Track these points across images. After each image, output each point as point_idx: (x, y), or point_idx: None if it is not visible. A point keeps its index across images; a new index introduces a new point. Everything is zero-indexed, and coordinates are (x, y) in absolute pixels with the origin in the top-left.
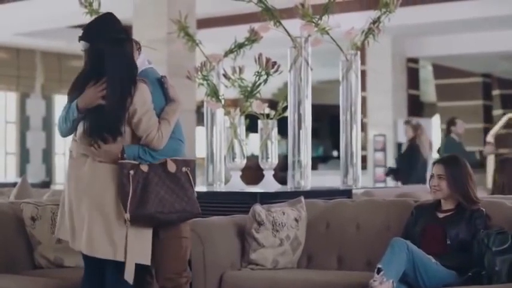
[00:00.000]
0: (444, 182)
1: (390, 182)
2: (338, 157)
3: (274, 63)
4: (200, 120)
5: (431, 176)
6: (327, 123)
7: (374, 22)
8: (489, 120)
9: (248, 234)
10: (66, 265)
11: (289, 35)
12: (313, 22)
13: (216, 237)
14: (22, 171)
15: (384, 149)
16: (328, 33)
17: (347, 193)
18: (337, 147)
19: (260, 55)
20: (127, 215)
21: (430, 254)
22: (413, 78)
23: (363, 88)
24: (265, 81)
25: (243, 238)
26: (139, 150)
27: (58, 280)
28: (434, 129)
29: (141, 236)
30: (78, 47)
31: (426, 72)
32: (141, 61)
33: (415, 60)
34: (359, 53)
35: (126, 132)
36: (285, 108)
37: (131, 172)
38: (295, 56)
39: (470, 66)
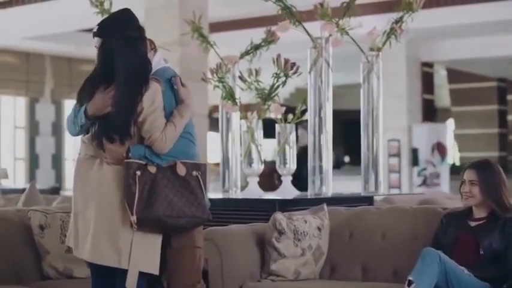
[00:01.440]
0: (476, 188)
1: (405, 187)
2: (350, 163)
3: (293, 64)
4: (212, 126)
5: (462, 182)
6: (338, 128)
7: (396, 22)
8: (504, 125)
9: (268, 243)
10: (76, 276)
11: (308, 34)
12: (334, 22)
13: (235, 246)
14: (31, 177)
15: (398, 154)
16: (348, 34)
17: (368, 200)
18: (348, 152)
19: (278, 56)
20: (133, 218)
21: (462, 265)
22: (427, 82)
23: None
24: (284, 83)
25: (263, 248)
26: (145, 150)
27: None
28: (448, 134)
29: (148, 242)
30: (88, 51)
31: (440, 77)
32: (157, 60)
33: (429, 65)
34: (380, 54)
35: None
36: (303, 112)
37: (138, 173)
38: (316, 57)
39: (485, 71)
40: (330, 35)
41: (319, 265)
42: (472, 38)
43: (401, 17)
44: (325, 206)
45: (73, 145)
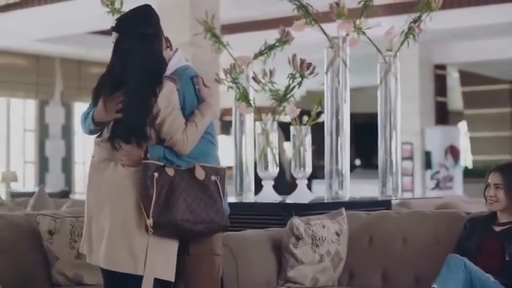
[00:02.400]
0: (501, 191)
1: (418, 191)
2: (361, 166)
3: (309, 64)
4: (223, 129)
5: (487, 186)
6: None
7: (415, 21)
8: None
9: (285, 249)
10: (86, 283)
11: (325, 33)
12: (351, 21)
13: (251, 252)
14: (41, 180)
15: (411, 158)
16: (364, 34)
17: (386, 204)
18: (359, 156)
19: (294, 56)
20: (149, 221)
21: (487, 272)
22: (440, 85)
23: None
24: (300, 84)
25: (280, 254)
26: (164, 151)
27: None
28: (461, 136)
29: (165, 248)
30: (98, 54)
31: (452, 79)
32: (178, 58)
33: (442, 67)
34: (398, 54)
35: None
36: (319, 114)
37: (155, 174)
38: (332, 57)
39: (498, 73)
40: (347, 35)
41: (337, 272)
42: (485, 40)
43: (419, 16)
44: (343, 210)
45: (83, 148)
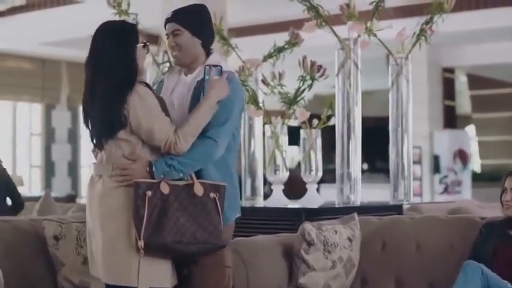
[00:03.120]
0: None
1: (426, 195)
2: (369, 170)
3: (320, 67)
4: None
5: (504, 190)
6: None
7: (427, 23)
8: None
9: (296, 255)
10: None
11: (336, 35)
12: (363, 22)
13: (261, 258)
14: (47, 185)
15: (419, 162)
16: (375, 35)
17: (397, 209)
18: (367, 160)
19: (304, 58)
20: (141, 243)
21: (504, 278)
22: (449, 88)
23: None
24: (310, 86)
25: (291, 260)
26: (166, 160)
27: None
28: (470, 140)
29: (159, 260)
30: None
31: (459, 83)
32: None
33: (450, 70)
34: (410, 56)
35: (142, 150)
36: (329, 117)
37: (148, 193)
38: (343, 59)
39: (506, 77)
40: (359, 36)
41: (350, 278)
42: (493, 44)
43: (431, 18)
44: (355, 215)
45: (89, 152)
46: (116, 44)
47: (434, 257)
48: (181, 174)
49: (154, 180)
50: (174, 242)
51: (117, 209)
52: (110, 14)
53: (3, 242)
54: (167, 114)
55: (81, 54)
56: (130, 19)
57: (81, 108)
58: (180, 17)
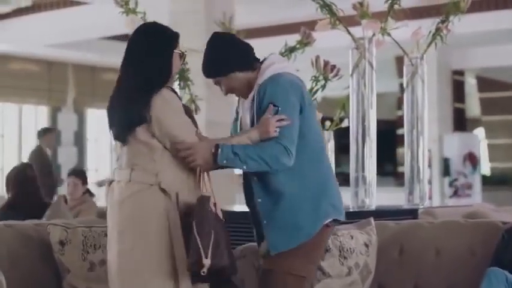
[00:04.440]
0: None
1: (436, 199)
2: (376, 174)
3: (333, 66)
4: None
5: None
6: None
7: (442, 22)
8: None
9: None
10: None
11: (350, 34)
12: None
13: None
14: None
15: (429, 165)
16: (389, 35)
17: (412, 213)
18: None
19: (317, 58)
20: (207, 261)
21: None
22: (458, 91)
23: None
24: (323, 86)
25: None
26: (233, 148)
27: None
28: (480, 143)
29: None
30: (112, 60)
31: (469, 86)
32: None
33: (460, 73)
34: (425, 57)
35: (161, 157)
36: (342, 119)
37: (212, 208)
38: (358, 58)
39: None
40: (374, 35)
41: (366, 285)
42: (503, 46)
43: (447, 17)
44: (372, 220)
45: (96, 155)
46: (154, 46)
47: (454, 263)
48: (244, 167)
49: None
50: (231, 265)
51: (137, 217)
52: (116, 15)
53: (6, 247)
54: (194, 122)
55: (87, 56)
56: (138, 18)
57: (87, 110)
58: (207, 72)
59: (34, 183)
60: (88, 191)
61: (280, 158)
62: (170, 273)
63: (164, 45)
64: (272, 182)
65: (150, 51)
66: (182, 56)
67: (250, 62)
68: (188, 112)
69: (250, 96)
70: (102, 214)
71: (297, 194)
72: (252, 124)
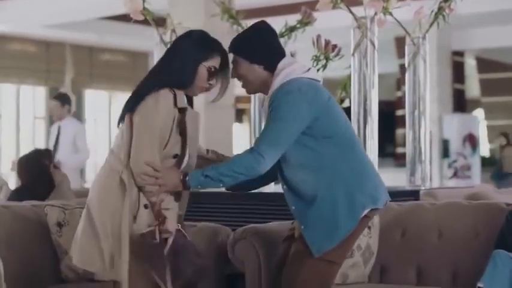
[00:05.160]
0: None
1: (435, 180)
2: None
3: (335, 46)
4: (236, 117)
5: None
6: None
7: (445, 1)
8: None
9: None
10: (98, 279)
11: (351, 13)
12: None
13: (275, 247)
14: None
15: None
16: (391, 14)
17: (414, 194)
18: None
19: (319, 37)
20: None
21: None
22: (458, 72)
23: (405, 81)
24: (324, 66)
25: None
26: (202, 172)
27: None
28: (480, 125)
29: None
30: (110, 40)
31: (468, 67)
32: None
33: (460, 53)
34: (427, 36)
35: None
36: (343, 99)
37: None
38: (359, 38)
39: None
40: (376, 14)
41: (368, 267)
42: (503, 26)
43: None
44: None
45: (94, 136)
46: (184, 49)
47: (458, 245)
48: (221, 185)
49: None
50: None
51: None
52: None
53: (4, 229)
54: (183, 134)
55: (85, 36)
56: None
57: (85, 91)
58: (234, 46)
59: (44, 170)
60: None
61: (255, 166)
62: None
63: (193, 52)
64: (302, 188)
65: (178, 52)
66: (210, 72)
67: (275, 65)
68: (181, 124)
69: (265, 107)
70: (82, 194)
71: (331, 193)
72: None
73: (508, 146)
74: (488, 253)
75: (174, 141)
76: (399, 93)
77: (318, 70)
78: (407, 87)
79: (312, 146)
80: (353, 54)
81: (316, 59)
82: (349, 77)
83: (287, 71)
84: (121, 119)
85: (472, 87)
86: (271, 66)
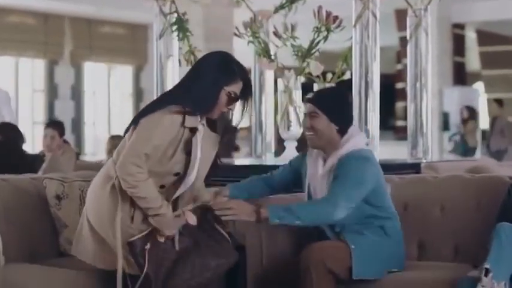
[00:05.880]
0: None
1: (435, 153)
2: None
3: (336, 17)
4: None
5: None
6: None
7: None
8: None
9: None
10: None
11: None
12: None
13: None
14: None
15: None
16: None
17: (415, 167)
18: None
19: (320, 8)
20: None
21: None
22: (458, 44)
23: (405, 54)
24: (326, 38)
25: None
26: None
27: (87, 272)
28: (480, 98)
29: None
30: (108, 13)
31: (469, 40)
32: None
33: (461, 26)
34: (429, 8)
35: None
36: (344, 71)
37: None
38: (361, 9)
39: None
40: None
41: None
42: None
43: None
44: None
45: (93, 109)
46: (210, 72)
47: (460, 219)
48: (297, 222)
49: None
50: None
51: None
52: None
53: (2, 202)
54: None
55: (84, 9)
56: None
57: (84, 64)
58: (319, 100)
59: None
60: (65, 141)
61: (331, 214)
62: None
63: (215, 76)
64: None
65: (200, 77)
66: (230, 97)
67: (346, 130)
68: (188, 143)
69: (328, 165)
70: (80, 167)
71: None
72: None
73: (470, 120)
74: (491, 227)
75: (178, 159)
76: (399, 66)
77: (318, 42)
78: (408, 60)
79: None
80: (354, 26)
81: (317, 30)
82: (350, 49)
83: (356, 140)
84: (127, 129)
85: (472, 60)
86: (343, 130)
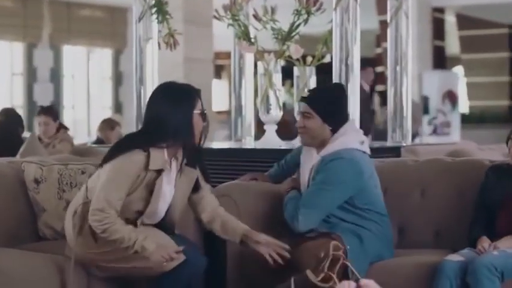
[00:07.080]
0: None
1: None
2: None
3: (316, 0)
4: (216, 73)
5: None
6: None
7: None
8: None
9: None
10: None
11: None
12: None
13: (254, 202)
14: (29, 126)
15: None
16: None
17: (395, 150)
18: None
19: None
20: None
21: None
22: (438, 28)
23: (385, 38)
24: (306, 21)
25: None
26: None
27: (66, 257)
28: (459, 81)
29: None
30: None
31: (448, 24)
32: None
33: (440, 10)
34: None
35: None
36: (324, 55)
37: None
38: None
39: (496, 17)
40: None
41: None
42: None
43: None
44: None
45: (72, 92)
46: (173, 103)
47: (441, 203)
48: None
49: None
50: None
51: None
52: None
53: None
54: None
55: None
56: None
57: (63, 47)
58: (314, 101)
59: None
60: (62, 126)
61: (294, 220)
62: None
63: (181, 108)
64: None
65: (169, 110)
66: (202, 114)
67: (339, 129)
68: (151, 185)
69: (312, 163)
70: (77, 151)
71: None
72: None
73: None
74: (471, 211)
75: (138, 196)
76: (379, 50)
77: (298, 25)
78: (389, 43)
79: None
80: (335, 9)
81: (298, 13)
82: (330, 32)
83: (345, 139)
84: (100, 165)
85: (452, 44)
86: (335, 129)
